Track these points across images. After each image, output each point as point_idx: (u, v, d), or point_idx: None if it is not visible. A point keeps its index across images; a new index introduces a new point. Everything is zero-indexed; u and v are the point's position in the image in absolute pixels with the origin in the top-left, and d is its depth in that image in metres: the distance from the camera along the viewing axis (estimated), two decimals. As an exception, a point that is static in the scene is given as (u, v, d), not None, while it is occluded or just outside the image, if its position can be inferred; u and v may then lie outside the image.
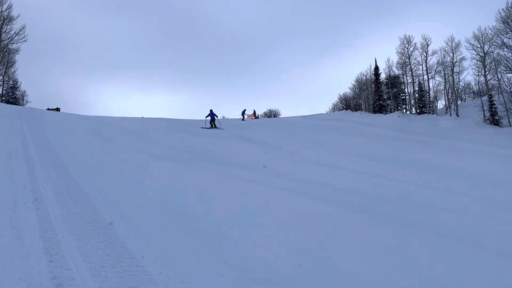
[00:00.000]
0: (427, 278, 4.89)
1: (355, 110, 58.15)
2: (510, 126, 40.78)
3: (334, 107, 68.95)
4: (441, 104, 53.18)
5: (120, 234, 5.65)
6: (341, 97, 66.96)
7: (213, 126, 30.43)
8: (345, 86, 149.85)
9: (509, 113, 41.41)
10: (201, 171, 12.24)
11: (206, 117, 31.04)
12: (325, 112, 64.22)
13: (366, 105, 59.23)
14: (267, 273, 4.84)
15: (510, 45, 40.72)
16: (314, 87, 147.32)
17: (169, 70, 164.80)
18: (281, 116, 67.17)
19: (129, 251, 5.02)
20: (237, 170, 12.89)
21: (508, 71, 41.51)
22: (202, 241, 5.70)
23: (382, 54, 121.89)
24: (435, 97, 52.74)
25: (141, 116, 44.48)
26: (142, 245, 5.32)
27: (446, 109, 48.55)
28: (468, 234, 6.80)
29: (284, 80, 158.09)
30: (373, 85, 56.39)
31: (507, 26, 40.90)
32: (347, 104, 63.57)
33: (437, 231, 6.87)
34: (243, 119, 41.35)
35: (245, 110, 42.82)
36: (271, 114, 70.83)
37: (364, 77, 60.71)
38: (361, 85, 61.20)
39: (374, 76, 56.03)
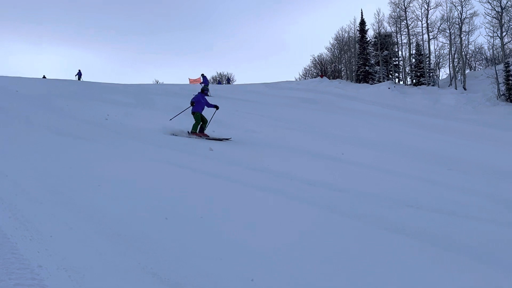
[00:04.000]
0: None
1: (334, 78, 58.90)
2: (531, 104, 42.49)
3: (306, 73, 69.61)
4: (444, 73, 54.74)
5: (10, 235, 5.54)
6: (315, 60, 67.74)
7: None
8: (321, 45, 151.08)
9: (529, 87, 43.09)
10: (125, 154, 12.09)
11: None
12: (294, 80, 64.74)
13: (348, 72, 60.23)
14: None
15: (534, -1, 42.19)
16: (280, 47, 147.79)
17: (73, 22, 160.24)
18: (235, 83, 67.14)
19: (22, 259, 4.91)
20: (173, 153, 12.85)
21: (530, 33, 43.12)
22: (124, 249, 5.68)
23: (371, 5, 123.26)
24: (437, 64, 54.36)
25: (42, 76, 43.87)
26: (41, 251, 5.22)
27: (451, 80, 50.12)
28: (464, 241, 7.14)
29: (237, 36, 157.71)
30: (357, 46, 57.31)
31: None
32: (323, 69, 64.28)
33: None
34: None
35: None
36: (222, 80, 70.38)
37: (346, 35, 61.52)
38: (342, 45, 62.05)
39: (360, 33, 57.02)
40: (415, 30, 53.56)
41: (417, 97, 43.61)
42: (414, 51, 53.38)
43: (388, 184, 11.54)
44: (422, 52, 52.63)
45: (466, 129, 28.20)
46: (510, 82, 43.42)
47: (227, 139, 16.24)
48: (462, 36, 50.05)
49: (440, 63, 54.55)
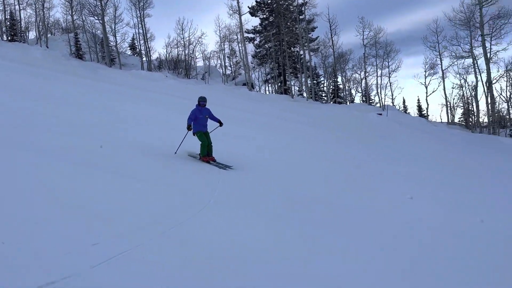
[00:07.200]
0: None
1: None
2: (91, 60, 45.16)
3: None
4: (32, 35, 51.88)
5: None
6: None
7: None
8: None
9: (90, 50, 45.61)
10: None
11: None
12: None
13: None
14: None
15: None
16: None
17: None
18: None
19: None
20: None
21: (90, 15, 45.07)
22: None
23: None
24: (27, 28, 50.97)
25: None
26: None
27: (37, 40, 48.13)
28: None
29: None
30: None
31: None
32: None
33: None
34: None
35: None
36: None
37: None
38: None
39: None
40: (9, 1, 48.33)
41: (12, 50, 39.58)
42: (8, 17, 48.30)
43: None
44: (15, 18, 48.36)
45: (49, 74, 27.94)
46: (78, 45, 44.97)
47: (229, 167, 9.48)
48: (44, 10, 48.17)
49: (29, 28, 51.26)
